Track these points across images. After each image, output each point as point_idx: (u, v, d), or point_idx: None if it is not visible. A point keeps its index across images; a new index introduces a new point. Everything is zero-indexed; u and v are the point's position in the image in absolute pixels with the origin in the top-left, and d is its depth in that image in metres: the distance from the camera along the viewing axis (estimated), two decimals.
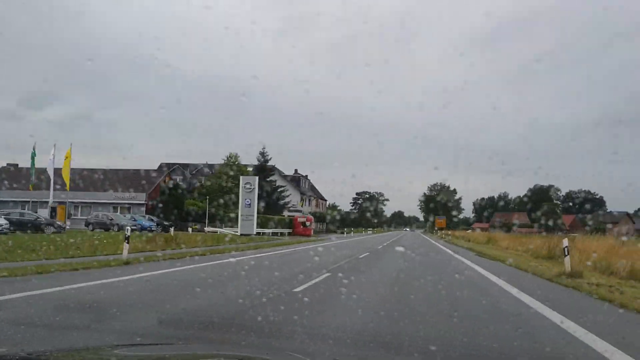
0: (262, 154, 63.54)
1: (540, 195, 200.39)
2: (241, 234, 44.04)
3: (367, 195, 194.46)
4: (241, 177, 47.30)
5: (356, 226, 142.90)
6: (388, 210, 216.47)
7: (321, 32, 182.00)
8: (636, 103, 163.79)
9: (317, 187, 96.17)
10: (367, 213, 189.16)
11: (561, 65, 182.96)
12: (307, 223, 60.52)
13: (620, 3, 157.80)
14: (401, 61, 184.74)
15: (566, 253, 13.77)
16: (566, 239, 14.19)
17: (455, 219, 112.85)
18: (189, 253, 20.94)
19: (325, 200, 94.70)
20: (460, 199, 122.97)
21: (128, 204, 58.89)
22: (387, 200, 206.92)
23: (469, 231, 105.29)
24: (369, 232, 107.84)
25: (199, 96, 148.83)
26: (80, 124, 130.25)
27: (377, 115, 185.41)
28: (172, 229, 41.05)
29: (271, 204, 60.82)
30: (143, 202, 58.96)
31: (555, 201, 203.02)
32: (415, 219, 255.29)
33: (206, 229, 47.26)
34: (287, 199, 65.83)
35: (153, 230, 44.32)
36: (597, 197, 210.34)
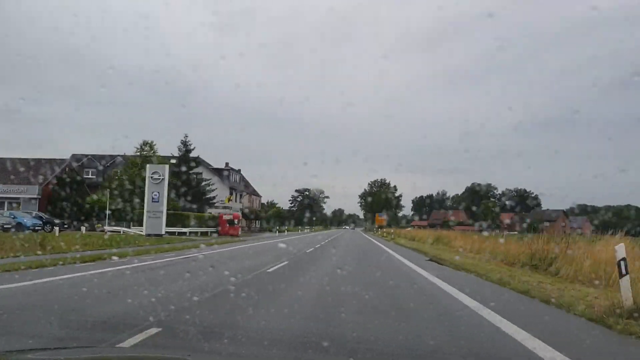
0: (185, 143, 55.83)
1: (477, 194, 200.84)
2: (147, 235, 36.49)
3: (307, 193, 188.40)
4: (148, 165, 39.48)
5: (295, 224, 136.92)
6: (329, 208, 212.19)
7: (258, 30, 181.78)
8: (564, 106, 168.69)
9: (252, 184, 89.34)
10: (306, 211, 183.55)
11: (495, 70, 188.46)
12: (235, 221, 53.35)
13: (550, 10, 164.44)
14: (339, 61, 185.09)
15: (624, 271, 7.41)
16: (621, 244, 7.82)
17: (395, 217, 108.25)
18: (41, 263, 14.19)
19: (260, 197, 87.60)
20: (400, 196, 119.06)
21: (14, 198, 49.97)
22: (328, 197, 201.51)
23: (409, 229, 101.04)
24: (306, 230, 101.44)
25: (134, 91, 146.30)
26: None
27: (316, 115, 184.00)
28: (57, 229, 33.32)
29: (194, 199, 53.25)
30: (35, 196, 50.10)
31: (491, 199, 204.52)
32: (356, 217, 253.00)
33: (106, 228, 39.40)
34: (213, 194, 58.22)
35: (37, 230, 36.24)
36: (532, 195, 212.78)
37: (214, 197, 58.05)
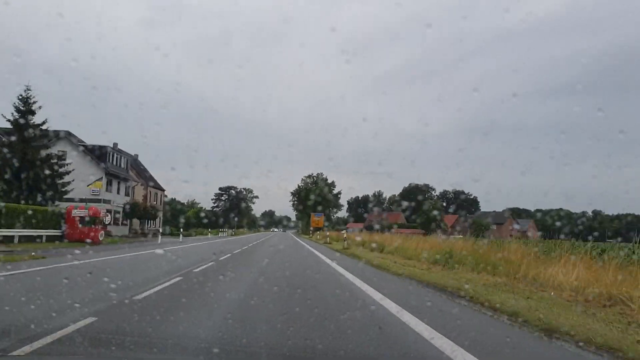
0: (24, 99, 36.26)
1: (414, 195, 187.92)
2: None
3: (233, 192, 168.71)
4: None
5: (216, 226, 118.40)
6: (258, 209, 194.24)
7: (193, 26, 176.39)
8: (486, 114, 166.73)
9: (160, 178, 70.34)
10: (232, 212, 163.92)
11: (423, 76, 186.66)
12: (96, 219, 34.41)
13: (471, 24, 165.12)
14: (271, 61, 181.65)
15: None
16: None
17: (334, 217, 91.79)
18: None
19: (163, 191, 68.25)
20: (339, 193, 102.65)
21: None
22: (257, 197, 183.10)
23: (345, 232, 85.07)
24: (224, 234, 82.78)
25: (61, 87, 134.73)
26: None
27: (247, 114, 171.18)
28: None
29: (35, 187, 33.94)
30: None
31: (429, 200, 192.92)
32: (288, 218, 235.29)
33: None
34: (69, 178, 38.62)
35: None
36: (470, 197, 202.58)
37: (68, 184, 38.51)
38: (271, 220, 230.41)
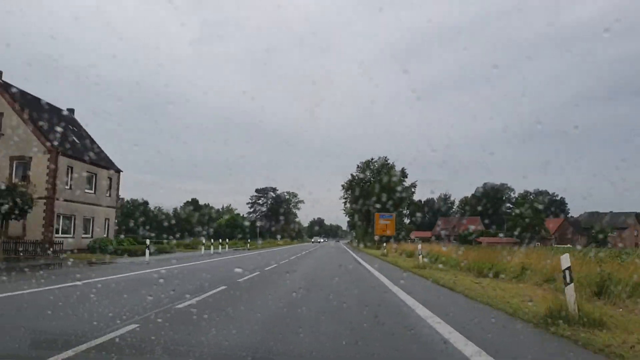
0: None
1: (491, 196, 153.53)
2: None
3: (272, 194, 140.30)
4: None
5: (253, 236, 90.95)
6: (305, 216, 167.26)
7: (237, 42, 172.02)
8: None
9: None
10: (271, 219, 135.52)
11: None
12: None
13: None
14: (314, 74, 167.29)
15: None
16: None
17: (409, 220, 61.08)
18: None
19: (120, 173, 39.10)
20: (414, 185, 70.76)
21: None
22: (302, 202, 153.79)
23: (412, 243, 55.18)
24: (250, 248, 53.40)
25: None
26: None
27: (293, 124, 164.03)
28: None
29: None
30: None
31: (507, 203, 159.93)
32: (338, 227, 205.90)
33: None
34: None
35: None
36: (556, 198, 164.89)
37: None
38: (321, 229, 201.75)
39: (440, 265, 21.26)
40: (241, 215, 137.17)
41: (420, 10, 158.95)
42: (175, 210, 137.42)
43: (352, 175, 71.09)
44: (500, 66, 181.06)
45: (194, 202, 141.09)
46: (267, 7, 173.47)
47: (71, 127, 36.58)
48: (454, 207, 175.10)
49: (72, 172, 32.54)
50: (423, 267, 20.74)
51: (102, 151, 39.22)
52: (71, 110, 39.45)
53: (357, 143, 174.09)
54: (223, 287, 12.27)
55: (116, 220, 39.50)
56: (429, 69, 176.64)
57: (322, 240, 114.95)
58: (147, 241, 25.20)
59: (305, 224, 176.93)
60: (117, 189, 39.64)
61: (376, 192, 59.83)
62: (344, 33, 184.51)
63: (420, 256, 21.99)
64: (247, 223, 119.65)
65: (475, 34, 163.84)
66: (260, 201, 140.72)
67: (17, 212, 22.92)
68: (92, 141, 39.04)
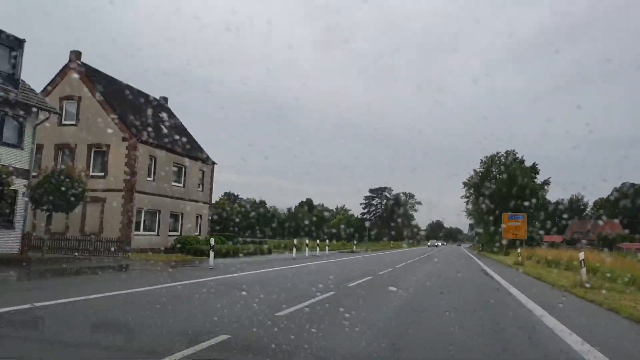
0: None
1: (632, 198, 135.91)
2: None
3: (386, 194, 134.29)
4: None
5: (360, 239, 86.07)
6: (422, 219, 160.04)
7: (359, 45, 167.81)
8: None
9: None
10: (385, 219, 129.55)
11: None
12: None
13: None
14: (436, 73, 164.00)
15: None
16: None
17: (537, 222, 52.35)
18: None
19: (213, 165, 35.61)
20: (548, 180, 60.71)
21: None
22: (419, 203, 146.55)
23: (545, 248, 46.42)
24: (350, 251, 48.16)
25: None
26: None
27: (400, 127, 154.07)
28: None
29: None
30: None
31: None
32: (459, 231, 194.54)
33: None
34: None
35: None
36: None
37: None
38: (439, 232, 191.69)
39: (610, 283, 14.67)
40: (355, 216, 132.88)
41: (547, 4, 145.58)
42: (289, 210, 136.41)
43: (474, 171, 63.42)
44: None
45: (308, 202, 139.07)
46: (387, 9, 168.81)
47: (161, 116, 33.70)
48: (587, 209, 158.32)
49: (156, 163, 29.38)
50: (584, 285, 14.26)
51: (194, 142, 36.05)
52: (164, 99, 36.78)
53: (477, 144, 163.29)
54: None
55: (210, 217, 36.19)
56: (552, 67, 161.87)
57: (440, 244, 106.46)
58: (211, 240, 20.66)
59: (423, 226, 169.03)
60: (211, 183, 36.28)
61: (503, 189, 52.00)
62: (465, 32, 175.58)
63: (583, 270, 15.24)
64: (366, 224, 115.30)
65: (604, 29, 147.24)
66: (374, 202, 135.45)
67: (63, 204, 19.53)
68: (184, 131, 36.01)
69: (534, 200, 52.06)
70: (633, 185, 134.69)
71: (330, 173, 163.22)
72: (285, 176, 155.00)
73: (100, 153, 27.78)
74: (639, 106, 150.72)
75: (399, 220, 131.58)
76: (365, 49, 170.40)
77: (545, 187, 58.28)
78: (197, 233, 34.07)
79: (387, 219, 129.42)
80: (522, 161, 59.08)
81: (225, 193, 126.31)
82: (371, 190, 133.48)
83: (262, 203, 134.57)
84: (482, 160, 62.51)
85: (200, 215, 34.79)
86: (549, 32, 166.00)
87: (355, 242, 45.95)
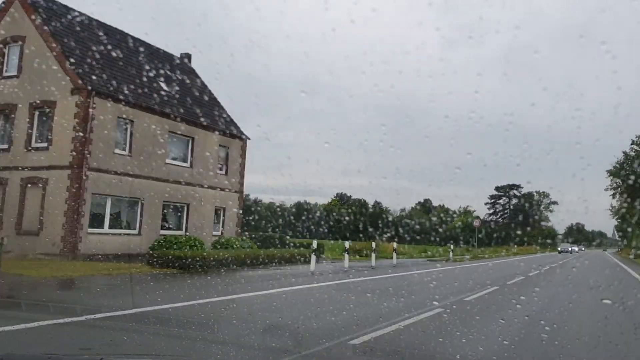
0: None
1: None
2: None
3: (516, 193, 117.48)
4: None
5: (487, 242, 75.04)
6: (559, 221, 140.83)
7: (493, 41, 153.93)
8: None
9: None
10: (515, 221, 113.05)
11: None
12: None
13: None
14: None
15: None
16: None
17: None
18: None
19: (244, 141, 26.12)
20: None
21: None
22: (555, 203, 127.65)
23: None
24: (445, 259, 35.96)
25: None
26: None
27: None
28: None
29: None
30: None
31: None
32: (602, 234, 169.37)
33: None
34: None
35: None
36: None
37: None
38: (581, 236, 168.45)
39: None
40: (480, 217, 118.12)
41: None
42: (402, 210, 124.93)
43: (624, 153, 47.53)
44: None
45: (426, 203, 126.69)
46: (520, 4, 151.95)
47: (164, 72, 24.64)
48: None
49: (133, 129, 20.41)
50: None
51: (219, 112, 26.79)
52: (187, 56, 27.97)
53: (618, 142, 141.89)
54: None
55: (239, 211, 26.69)
56: None
57: (576, 248, 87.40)
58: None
59: (561, 230, 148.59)
60: (242, 167, 26.81)
61: None
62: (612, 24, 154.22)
63: None
64: (475, 224, 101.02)
65: None
66: (501, 201, 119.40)
67: None
68: (204, 96, 26.86)
69: None
70: None
71: (456, 174, 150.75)
72: (410, 177, 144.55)
73: (44, 114, 19.31)
74: None
75: (530, 221, 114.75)
76: (496, 46, 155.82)
77: None
78: (217, 232, 24.78)
79: (516, 220, 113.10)
80: None
81: (337, 194, 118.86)
82: (497, 188, 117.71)
83: (378, 204, 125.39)
84: (633, 141, 46.84)
85: (223, 209, 25.42)
86: None
87: (452, 247, 33.37)
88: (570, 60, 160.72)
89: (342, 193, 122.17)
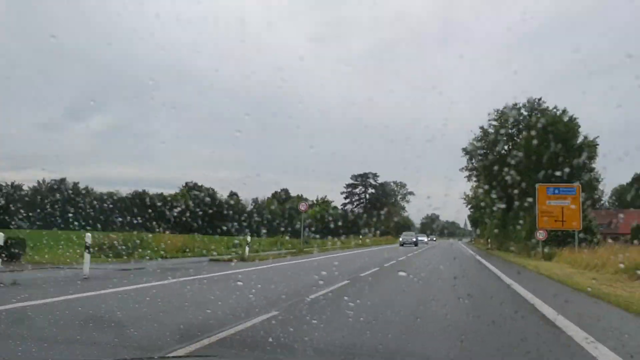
0: None
1: None
2: None
3: (371, 180, 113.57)
4: None
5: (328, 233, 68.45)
6: (416, 211, 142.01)
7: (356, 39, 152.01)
8: None
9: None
10: (370, 211, 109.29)
11: None
12: None
13: None
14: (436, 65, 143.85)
15: None
16: None
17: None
18: None
19: None
20: (595, 142, 40.17)
21: None
22: (412, 194, 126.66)
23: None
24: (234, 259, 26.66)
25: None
26: None
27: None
28: None
29: None
30: None
31: None
32: (454, 225, 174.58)
33: None
34: None
35: None
36: None
37: None
38: (436, 227, 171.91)
39: None
40: (338, 208, 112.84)
41: None
42: (255, 200, 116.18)
43: (481, 129, 41.81)
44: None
45: (285, 193, 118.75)
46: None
47: None
48: (603, 199, 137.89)
49: None
50: None
51: None
52: None
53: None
54: None
55: None
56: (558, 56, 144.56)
57: (426, 239, 78.95)
58: None
59: (417, 220, 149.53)
60: None
61: (532, 151, 31.41)
62: (463, 22, 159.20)
63: None
64: (300, 208, 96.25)
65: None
66: (357, 190, 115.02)
67: None
68: None
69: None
70: None
71: (319, 166, 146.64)
72: (273, 169, 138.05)
73: None
74: None
75: (386, 211, 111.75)
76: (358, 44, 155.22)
77: (596, 145, 36.92)
78: None
79: (372, 210, 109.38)
80: (561, 114, 37.34)
81: (186, 183, 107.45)
82: (353, 177, 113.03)
83: (233, 194, 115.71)
84: (490, 114, 41.31)
85: None
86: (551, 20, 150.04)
87: (248, 237, 24.04)
88: (431, 58, 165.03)
89: (193, 183, 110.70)
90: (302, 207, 35.36)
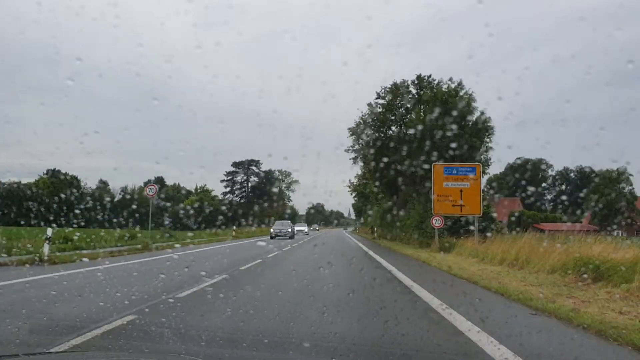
0: None
1: (524, 173, 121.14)
2: None
3: (254, 168, 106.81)
4: None
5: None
6: (302, 200, 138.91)
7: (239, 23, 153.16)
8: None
9: None
10: (253, 199, 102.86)
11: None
12: None
13: None
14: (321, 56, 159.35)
15: None
16: None
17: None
18: None
19: None
20: (488, 122, 36.87)
21: None
22: (297, 182, 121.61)
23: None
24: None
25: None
26: None
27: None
28: None
29: None
30: None
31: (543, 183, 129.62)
32: (340, 214, 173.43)
33: None
34: None
35: None
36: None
37: None
38: (320, 216, 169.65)
39: None
40: (218, 197, 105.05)
41: None
42: (124, 190, 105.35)
43: (369, 105, 37.02)
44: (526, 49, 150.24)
45: (159, 181, 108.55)
46: None
47: None
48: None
49: None
50: None
51: None
52: None
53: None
54: None
55: None
56: (437, 53, 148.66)
57: (305, 229, 72.49)
58: None
59: (303, 210, 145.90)
60: None
61: (424, 120, 26.97)
62: (346, 18, 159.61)
63: None
64: (148, 191, 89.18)
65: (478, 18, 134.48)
66: (238, 178, 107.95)
67: None
68: None
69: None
70: (528, 160, 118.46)
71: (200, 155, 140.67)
72: (149, 157, 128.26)
73: None
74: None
75: (270, 201, 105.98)
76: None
77: (489, 127, 33.34)
78: None
79: (254, 200, 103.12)
80: (460, 85, 33.09)
81: (48, 170, 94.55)
82: (234, 164, 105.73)
83: (104, 183, 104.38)
84: (377, 93, 36.68)
85: None
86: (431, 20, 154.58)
87: (49, 231, 17.83)
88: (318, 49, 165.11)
89: (55, 169, 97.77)
90: (149, 191, 27.82)
